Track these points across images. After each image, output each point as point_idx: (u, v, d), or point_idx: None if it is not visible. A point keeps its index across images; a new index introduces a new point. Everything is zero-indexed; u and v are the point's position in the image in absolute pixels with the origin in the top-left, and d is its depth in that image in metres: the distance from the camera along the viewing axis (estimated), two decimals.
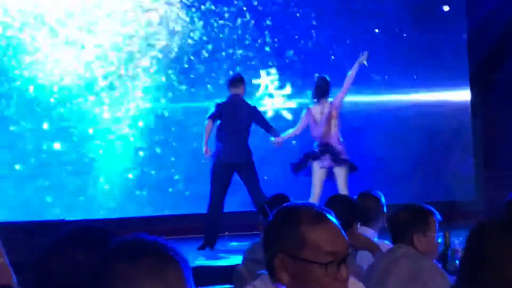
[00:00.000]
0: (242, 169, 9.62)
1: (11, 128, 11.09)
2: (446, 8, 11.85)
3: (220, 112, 9.57)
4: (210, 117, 9.57)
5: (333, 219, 2.50)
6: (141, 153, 11.40)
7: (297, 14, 11.69)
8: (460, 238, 5.72)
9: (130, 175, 11.40)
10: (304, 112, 9.86)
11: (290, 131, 9.93)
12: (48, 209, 10.87)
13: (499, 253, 1.93)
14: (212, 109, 9.60)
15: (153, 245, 1.81)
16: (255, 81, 11.51)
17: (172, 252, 1.81)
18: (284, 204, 2.63)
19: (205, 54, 11.42)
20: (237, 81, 9.74)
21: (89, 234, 2.21)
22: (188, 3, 11.39)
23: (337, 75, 10.03)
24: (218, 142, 9.64)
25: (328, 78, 9.82)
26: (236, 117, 9.57)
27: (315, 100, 9.71)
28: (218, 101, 9.68)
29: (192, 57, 11.41)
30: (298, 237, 2.44)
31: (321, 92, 9.70)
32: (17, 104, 11.05)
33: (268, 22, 11.58)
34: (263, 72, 11.52)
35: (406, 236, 4.42)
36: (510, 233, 1.95)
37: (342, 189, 9.46)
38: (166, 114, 11.37)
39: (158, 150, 11.39)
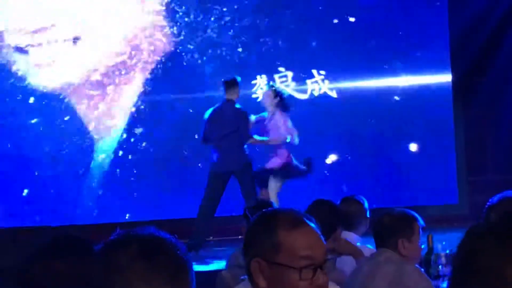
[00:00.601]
0: (236, 174, 9.63)
1: None
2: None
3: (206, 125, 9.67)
4: (202, 142, 9.80)
5: (312, 224, 2.50)
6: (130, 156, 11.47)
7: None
8: (443, 243, 5.75)
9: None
10: (255, 118, 9.92)
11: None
12: (35, 214, 10.90)
13: (492, 263, 1.90)
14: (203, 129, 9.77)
15: (168, 245, 1.84)
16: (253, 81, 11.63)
17: (182, 253, 1.84)
18: (265, 210, 2.65)
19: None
20: (231, 85, 9.71)
21: (70, 243, 2.21)
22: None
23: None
24: (212, 150, 9.70)
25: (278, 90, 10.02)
26: (222, 124, 9.54)
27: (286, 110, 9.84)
28: (207, 112, 9.71)
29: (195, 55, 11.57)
30: (274, 242, 2.44)
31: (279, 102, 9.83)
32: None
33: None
34: (258, 76, 11.63)
35: (390, 241, 4.43)
36: (504, 243, 1.93)
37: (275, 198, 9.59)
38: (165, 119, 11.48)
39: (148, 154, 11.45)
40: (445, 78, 11.99)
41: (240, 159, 9.60)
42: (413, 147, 11.92)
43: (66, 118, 11.26)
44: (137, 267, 1.79)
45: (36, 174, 11.24)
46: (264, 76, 11.59)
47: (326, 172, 11.70)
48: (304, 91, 11.74)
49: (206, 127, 9.70)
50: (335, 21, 11.80)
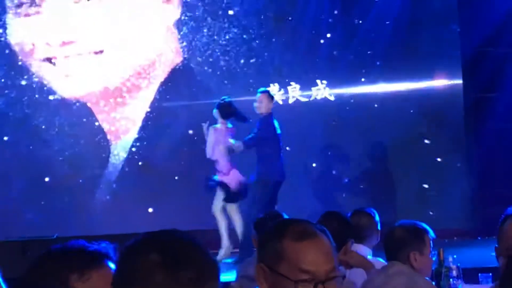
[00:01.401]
0: (278, 186, 9.85)
1: (5, 138, 11.46)
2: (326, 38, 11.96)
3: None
4: (249, 147, 9.88)
5: (324, 238, 2.45)
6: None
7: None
8: (455, 256, 5.73)
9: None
10: (211, 130, 9.97)
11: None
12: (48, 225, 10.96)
13: None
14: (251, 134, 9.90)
15: (193, 251, 1.73)
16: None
17: (208, 258, 1.74)
18: (281, 219, 2.64)
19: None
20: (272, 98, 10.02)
21: (78, 252, 2.19)
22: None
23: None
24: (266, 159, 9.84)
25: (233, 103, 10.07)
26: (278, 136, 9.82)
27: (225, 120, 9.94)
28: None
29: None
30: (277, 250, 2.41)
31: (228, 115, 9.94)
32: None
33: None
34: (271, 84, 11.77)
35: (402, 254, 4.41)
36: None
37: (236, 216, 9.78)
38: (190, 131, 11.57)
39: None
40: (457, 94, 11.98)
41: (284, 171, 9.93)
42: (424, 160, 11.90)
43: (84, 120, 11.64)
44: (157, 278, 1.67)
45: (49, 181, 11.42)
46: (276, 85, 11.73)
47: (330, 186, 11.78)
48: (309, 96, 11.92)
49: (262, 135, 9.82)
50: (326, 39, 11.92)
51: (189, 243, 1.74)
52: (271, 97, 9.99)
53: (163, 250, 1.71)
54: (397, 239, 4.47)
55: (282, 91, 11.70)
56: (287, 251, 2.40)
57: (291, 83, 11.81)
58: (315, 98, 11.87)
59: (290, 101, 11.74)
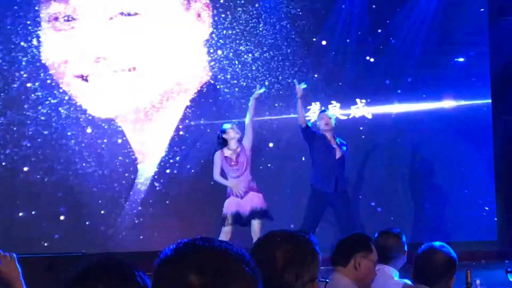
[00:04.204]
0: (326, 198, 10.19)
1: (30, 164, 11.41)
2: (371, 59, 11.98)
3: None
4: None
5: None
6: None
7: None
8: (481, 279, 5.68)
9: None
10: (216, 154, 10.00)
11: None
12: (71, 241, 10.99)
13: None
14: None
15: (235, 262, 1.65)
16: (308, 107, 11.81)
17: (250, 270, 1.67)
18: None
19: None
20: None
21: (112, 268, 2.18)
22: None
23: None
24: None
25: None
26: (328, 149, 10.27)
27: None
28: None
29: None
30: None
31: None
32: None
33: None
34: (313, 103, 11.85)
35: (443, 281, 4.38)
36: None
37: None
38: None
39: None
40: (486, 114, 11.93)
41: None
42: (452, 181, 11.85)
43: (113, 139, 11.64)
44: None
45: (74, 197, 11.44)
46: (318, 103, 11.77)
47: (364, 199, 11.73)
48: (347, 115, 12.03)
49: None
50: (371, 59, 11.97)
51: (228, 256, 1.67)
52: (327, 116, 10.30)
53: (200, 269, 1.63)
54: (441, 266, 4.41)
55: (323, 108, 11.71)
56: None
57: (332, 101, 11.87)
58: (354, 116, 11.96)
59: None
